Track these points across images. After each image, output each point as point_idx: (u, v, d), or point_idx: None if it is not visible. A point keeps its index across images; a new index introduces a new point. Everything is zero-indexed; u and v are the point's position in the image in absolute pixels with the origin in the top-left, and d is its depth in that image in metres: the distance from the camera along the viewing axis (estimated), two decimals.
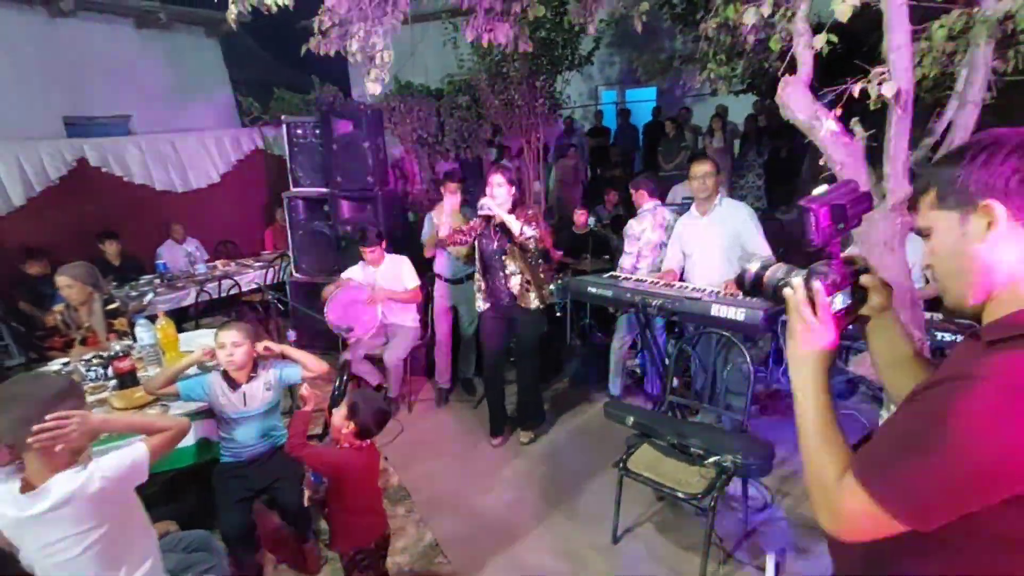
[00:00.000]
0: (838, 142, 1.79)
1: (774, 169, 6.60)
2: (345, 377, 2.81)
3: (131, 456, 1.50)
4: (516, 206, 3.02)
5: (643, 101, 9.45)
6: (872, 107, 1.74)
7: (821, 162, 1.89)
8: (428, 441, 3.49)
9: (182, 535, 1.98)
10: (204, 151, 6.55)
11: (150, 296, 4.17)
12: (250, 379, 2.36)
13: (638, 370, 4.06)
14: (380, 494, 2.07)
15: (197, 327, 4.31)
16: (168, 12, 7.04)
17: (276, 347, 2.43)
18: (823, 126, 1.77)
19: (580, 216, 4.92)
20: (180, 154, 6.30)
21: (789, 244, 3.91)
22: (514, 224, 2.92)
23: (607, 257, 4.79)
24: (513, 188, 2.97)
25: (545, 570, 2.41)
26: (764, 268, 1.02)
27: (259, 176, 6.98)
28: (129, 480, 1.50)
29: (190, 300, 4.67)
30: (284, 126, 4.77)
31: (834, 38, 1.82)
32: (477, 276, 3.22)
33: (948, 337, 2.68)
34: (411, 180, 7.15)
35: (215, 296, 4.77)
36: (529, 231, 2.94)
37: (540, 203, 6.61)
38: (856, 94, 1.68)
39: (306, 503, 2.13)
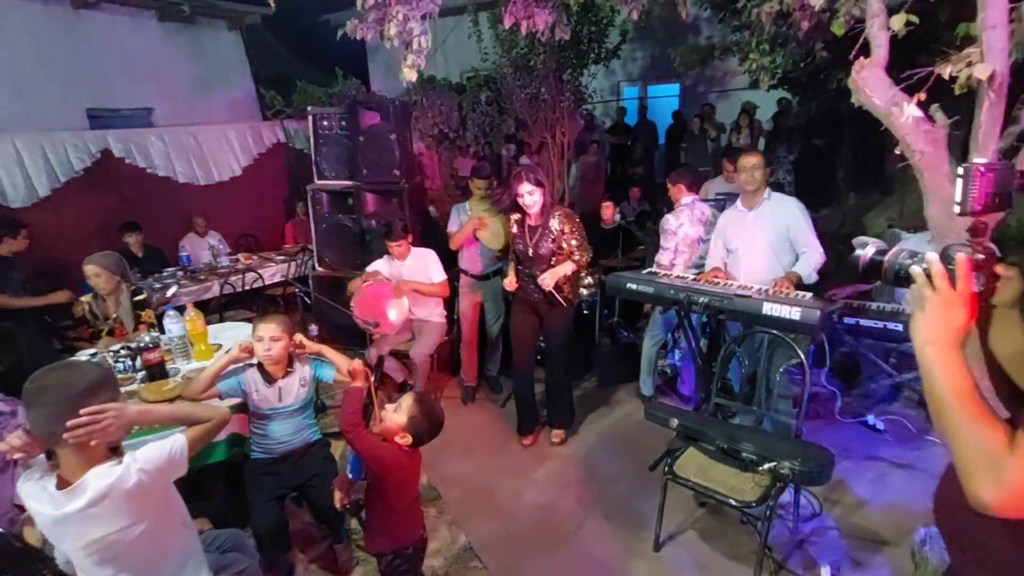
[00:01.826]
0: (919, 129, 1.67)
1: (805, 166, 6.44)
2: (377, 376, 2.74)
3: (169, 448, 1.42)
4: (548, 208, 2.93)
5: (666, 96, 9.30)
6: (958, 92, 1.62)
7: (897, 151, 1.77)
8: (456, 440, 3.40)
9: (216, 534, 1.91)
10: (226, 144, 6.53)
11: (175, 288, 4.13)
12: (287, 374, 2.28)
13: (668, 370, 3.95)
14: (419, 495, 1.98)
15: (221, 320, 4.26)
16: (191, 5, 7.01)
17: (313, 346, 2.33)
18: (904, 112, 1.65)
19: (607, 209, 4.80)
20: (202, 147, 6.28)
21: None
22: (569, 271, 2.90)
23: (641, 248, 4.68)
24: (543, 190, 2.88)
25: None
26: (882, 252, 0.98)
27: (280, 169, 6.96)
28: (168, 473, 1.42)
29: (213, 293, 4.62)
30: (310, 117, 4.70)
31: (914, 18, 1.70)
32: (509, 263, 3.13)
33: None
34: (431, 176, 7.07)
35: (238, 289, 4.73)
36: (578, 256, 2.89)
37: (564, 200, 6.50)
38: (945, 76, 1.55)
39: (337, 506, 2.04)
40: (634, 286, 2.85)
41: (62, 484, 1.31)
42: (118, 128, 5.89)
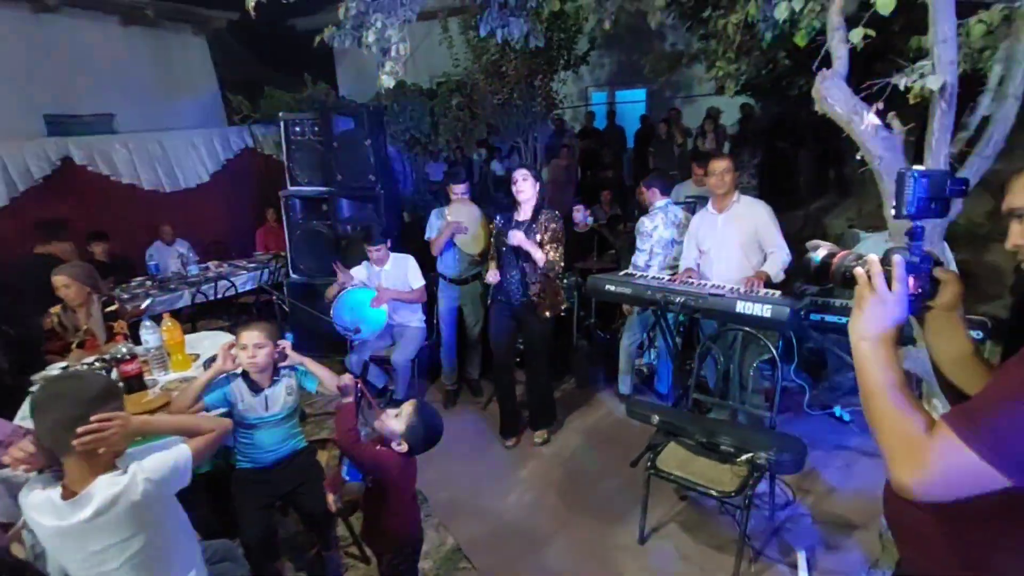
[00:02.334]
0: (878, 135, 1.79)
1: (768, 171, 6.68)
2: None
3: (174, 458, 1.42)
4: (539, 210, 2.99)
5: (633, 102, 9.51)
6: (912, 101, 1.74)
7: (858, 156, 1.89)
8: (440, 443, 3.42)
9: (205, 545, 1.89)
10: (193, 150, 6.39)
11: (149, 300, 4.03)
12: (273, 383, 2.27)
13: (645, 369, 4.05)
14: (416, 495, 2.00)
15: (194, 330, 4.17)
16: (156, 9, 6.85)
17: (296, 356, 2.32)
18: (864, 119, 1.77)
19: (577, 212, 4.90)
20: (168, 153, 6.13)
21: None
22: (538, 255, 2.91)
23: (612, 253, 4.79)
24: (538, 184, 2.94)
25: (574, 573, 2.37)
26: (832, 255, 1.01)
27: (249, 176, 6.83)
28: (172, 483, 1.42)
29: (184, 302, 4.52)
30: (282, 123, 4.66)
31: (871, 32, 1.82)
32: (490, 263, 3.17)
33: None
34: (402, 181, 7.07)
35: (211, 298, 4.63)
36: (552, 255, 2.92)
37: None
38: (901, 87, 1.67)
39: (332, 508, 2.04)
40: (613, 288, 2.93)
41: (67, 494, 1.30)
42: (78, 134, 5.70)
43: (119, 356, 2.53)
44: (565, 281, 4.20)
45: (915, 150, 1.85)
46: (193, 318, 4.65)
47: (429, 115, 6.53)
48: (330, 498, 2.13)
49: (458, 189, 3.71)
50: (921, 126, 1.82)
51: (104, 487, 1.30)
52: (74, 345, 3.03)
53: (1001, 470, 0.76)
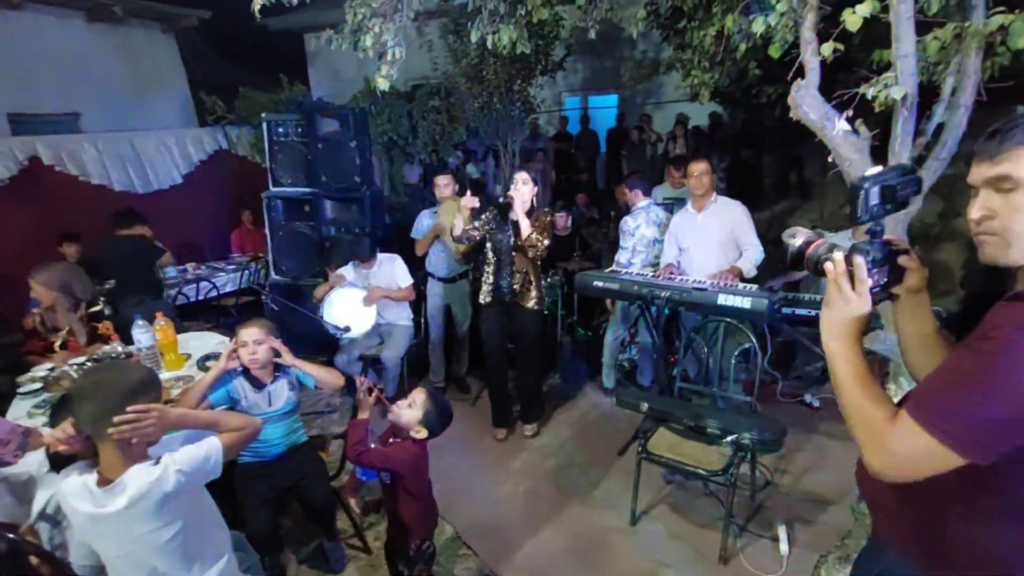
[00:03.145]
0: (847, 140, 1.97)
1: (736, 174, 6.99)
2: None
3: (205, 450, 1.46)
4: (533, 210, 3.10)
5: (605, 107, 9.76)
6: (878, 109, 1.93)
7: (829, 159, 2.07)
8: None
9: None
10: (166, 151, 6.26)
11: None
12: (275, 379, 2.31)
13: (627, 364, 4.21)
14: (430, 481, 2.08)
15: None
16: (123, 6, 6.70)
17: (289, 357, 2.35)
18: (835, 126, 1.95)
19: (561, 218, 5.04)
20: (140, 154, 5.99)
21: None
22: (525, 227, 3.01)
23: (589, 251, 4.94)
24: (536, 188, 3.06)
25: (571, 554, 2.48)
26: (807, 244, 1.06)
27: (223, 177, 6.73)
28: (203, 475, 1.46)
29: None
30: (264, 124, 4.64)
31: (840, 46, 2.00)
32: (486, 270, 3.26)
33: None
34: (380, 182, 7.08)
35: (192, 300, 4.58)
36: (535, 238, 3.02)
37: None
38: (868, 96, 1.86)
39: (357, 511, 2.10)
40: (600, 283, 3.06)
41: (103, 482, 1.34)
42: (42, 134, 5.52)
43: (115, 356, 2.52)
44: (549, 280, 4.34)
45: (881, 154, 2.04)
46: (173, 320, 4.58)
47: (408, 117, 6.58)
48: (352, 502, 2.18)
49: (442, 180, 3.79)
50: (885, 132, 2.01)
51: (138, 477, 1.34)
52: (57, 346, 2.99)
53: (956, 451, 0.85)
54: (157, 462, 1.38)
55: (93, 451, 1.38)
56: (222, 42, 8.57)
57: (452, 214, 3.64)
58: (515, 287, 3.19)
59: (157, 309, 3.52)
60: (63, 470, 1.38)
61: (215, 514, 1.58)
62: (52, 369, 2.79)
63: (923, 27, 1.97)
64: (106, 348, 2.83)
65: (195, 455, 1.43)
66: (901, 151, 1.92)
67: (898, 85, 1.82)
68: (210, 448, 1.47)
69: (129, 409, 1.32)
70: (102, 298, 3.09)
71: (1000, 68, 1.96)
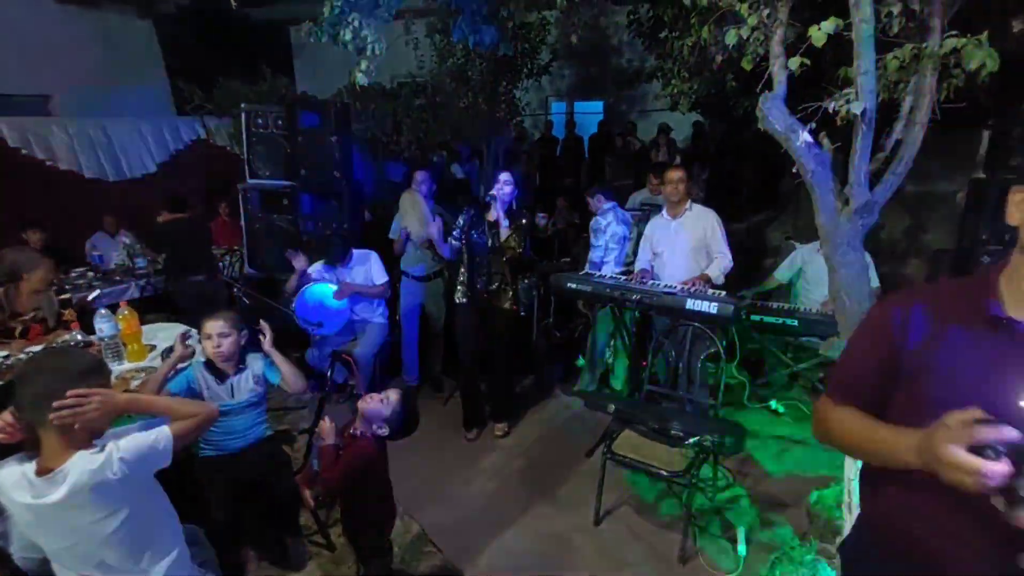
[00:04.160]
0: (811, 152, 2.03)
1: (716, 185, 7.11)
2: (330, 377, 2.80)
3: (154, 437, 1.42)
4: (512, 211, 3.12)
5: (591, 113, 9.85)
6: (839, 123, 2.00)
7: (793, 170, 2.13)
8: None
9: None
10: (139, 138, 6.14)
11: (97, 292, 3.87)
12: (238, 371, 2.29)
13: (601, 367, 4.24)
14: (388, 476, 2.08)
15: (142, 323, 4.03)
16: None
17: (268, 345, 2.33)
18: (799, 137, 2.01)
19: (540, 218, 5.09)
20: (112, 140, 5.87)
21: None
22: (505, 228, 3.03)
23: (567, 260, 4.98)
24: (518, 192, 3.09)
25: (534, 553, 2.50)
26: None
27: (201, 167, 6.62)
28: (151, 463, 1.43)
29: (132, 295, 4.37)
30: (243, 115, 4.58)
31: (807, 61, 2.06)
32: (461, 269, 3.27)
33: None
34: (363, 179, 7.04)
35: (160, 291, 4.49)
36: (513, 240, 3.05)
37: None
38: (831, 110, 1.92)
39: (310, 503, 2.09)
40: (574, 285, 3.10)
41: (42, 471, 1.30)
42: (8, 115, 5.37)
43: (74, 344, 2.47)
44: (525, 282, 4.36)
45: (842, 166, 2.10)
46: (142, 311, 4.48)
47: (392, 115, 6.55)
48: (306, 493, 2.17)
49: (419, 176, 3.81)
50: (846, 145, 2.08)
51: (79, 464, 1.30)
52: (17, 332, 2.91)
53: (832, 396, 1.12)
54: (101, 450, 1.35)
55: (35, 441, 1.34)
56: (203, 30, 8.40)
57: (418, 208, 3.63)
58: (491, 288, 3.21)
59: (214, 287, 4.46)
60: (1, 461, 1.34)
61: (166, 505, 1.56)
62: (7, 356, 2.72)
63: (886, 46, 2.04)
64: (65, 337, 2.76)
65: (142, 442, 1.40)
66: (860, 164, 1.99)
67: (858, 101, 1.88)
68: (159, 435, 1.44)
69: (69, 393, 1.29)
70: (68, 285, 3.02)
71: (955, 89, 2.04)
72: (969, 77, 1.91)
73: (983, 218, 3.18)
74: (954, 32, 1.82)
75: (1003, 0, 2.26)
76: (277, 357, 2.32)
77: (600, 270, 3.66)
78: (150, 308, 4.72)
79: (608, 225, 3.64)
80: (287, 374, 2.32)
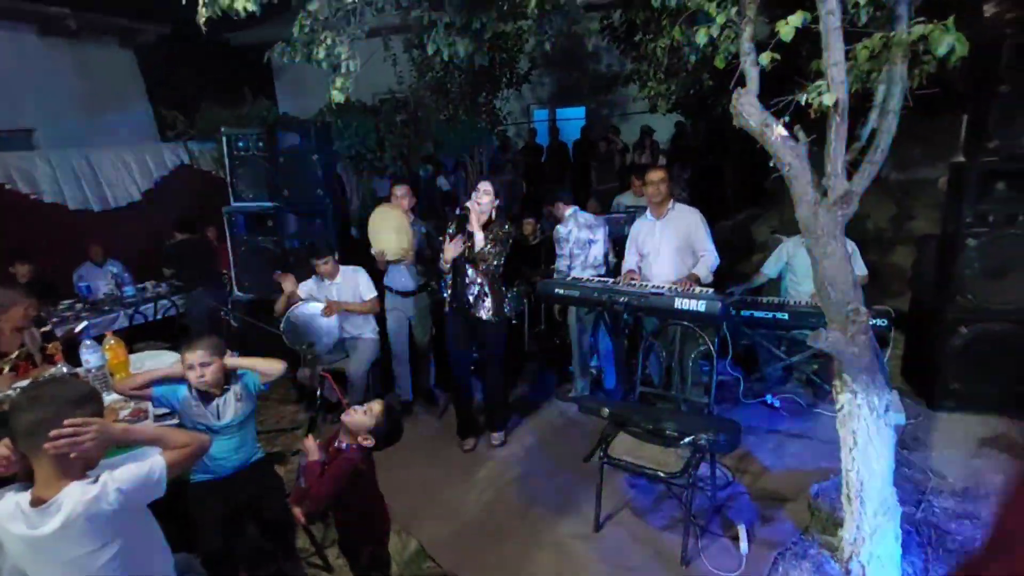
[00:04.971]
0: (786, 145, 2.04)
1: (699, 183, 7.15)
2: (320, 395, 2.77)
3: (148, 468, 1.41)
4: (491, 221, 3.11)
5: (573, 119, 9.91)
6: (813, 115, 2.01)
7: (772, 164, 2.14)
8: (398, 452, 3.36)
9: None
10: (123, 167, 6.12)
11: (84, 324, 3.84)
12: (223, 392, 2.26)
13: (594, 371, 4.23)
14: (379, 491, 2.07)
15: (131, 352, 4.00)
16: (77, 20, 6.57)
17: (237, 361, 2.31)
18: (774, 132, 2.02)
19: (527, 225, 5.09)
20: (96, 170, 5.85)
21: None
22: (479, 239, 3.02)
23: (554, 267, 4.98)
24: (497, 200, 3.08)
25: (535, 563, 2.47)
26: None
27: (186, 193, 6.60)
28: (145, 493, 1.41)
29: (121, 324, 4.34)
30: (224, 138, 4.59)
31: (777, 56, 2.08)
32: (447, 280, 3.25)
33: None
34: (349, 196, 7.05)
35: (150, 319, 4.46)
36: (488, 250, 3.03)
37: None
38: (803, 103, 1.93)
39: (302, 521, 2.06)
40: (561, 291, 3.09)
41: (36, 501, 1.28)
42: None
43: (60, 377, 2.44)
44: (515, 290, 4.35)
45: (820, 159, 2.11)
46: (130, 340, 4.45)
47: (374, 131, 6.58)
48: (296, 511, 2.14)
49: (398, 191, 3.79)
50: (823, 137, 2.09)
51: (74, 495, 1.29)
52: (6, 369, 2.87)
53: None
54: (95, 480, 1.33)
55: (28, 473, 1.32)
56: (184, 57, 8.44)
57: (390, 224, 3.58)
58: (469, 297, 3.19)
59: (222, 299, 4.65)
60: None
61: (159, 537, 1.53)
62: None
63: (856, 37, 2.06)
64: (52, 370, 2.73)
65: (137, 472, 1.38)
66: (836, 155, 1.99)
67: (830, 92, 1.89)
68: (153, 465, 1.42)
69: (67, 422, 1.28)
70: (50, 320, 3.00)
71: (927, 76, 2.05)
72: (940, 63, 1.92)
73: (967, 202, 3.19)
74: (921, 19, 1.84)
75: None
76: (242, 362, 2.30)
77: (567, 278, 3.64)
78: (139, 337, 4.69)
79: (570, 232, 3.67)
80: (262, 369, 2.29)
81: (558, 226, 3.79)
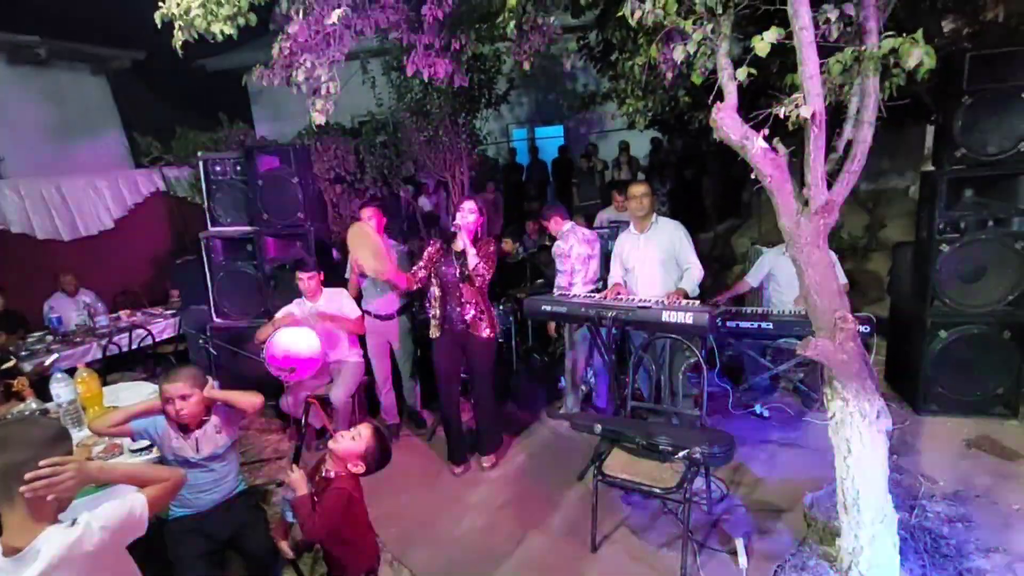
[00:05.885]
0: (767, 157, 2.07)
1: (678, 197, 7.26)
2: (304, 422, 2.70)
3: (130, 505, 1.34)
4: (478, 238, 3.09)
5: (551, 138, 10.03)
6: (791, 127, 2.04)
7: (753, 177, 2.17)
8: (387, 478, 3.25)
9: None
10: (95, 195, 6.00)
11: (55, 356, 3.70)
12: (202, 423, 2.18)
13: (584, 387, 4.20)
14: (368, 521, 2.00)
15: (104, 384, 3.85)
16: (48, 48, 6.46)
17: (217, 394, 2.23)
18: (754, 144, 2.05)
19: (506, 244, 5.10)
20: (67, 199, 5.72)
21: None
22: (472, 256, 3.00)
23: (541, 282, 4.98)
24: (483, 219, 3.06)
25: None
26: None
27: (161, 220, 6.49)
28: (127, 533, 1.34)
29: (95, 355, 4.19)
30: (200, 163, 4.51)
31: (754, 71, 2.12)
32: (433, 303, 3.21)
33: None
34: (329, 219, 6.99)
35: (124, 349, 4.32)
36: (482, 267, 3.02)
37: None
38: (782, 116, 1.96)
39: (288, 555, 1.98)
40: (549, 307, 3.07)
41: (9, 551, 1.20)
42: None
43: (28, 413, 2.33)
44: (501, 308, 4.33)
45: (799, 169, 2.15)
46: (104, 372, 4.30)
47: (354, 153, 6.56)
48: (283, 545, 2.06)
49: (364, 214, 3.75)
50: (801, 149, 2.13)
51: (54, 540, 1.21)
52: None
53: None
54: (73, 523, 1.26)
55: None
56: (159, 83, 8.35)
57: (364, 244, 3.51)
58: (466, 318, 3.15)
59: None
60: None
61: None
62: None
63: (829, 51, 2.11)
64: (20, 406, 2.61)
65: (118, 510, 1.32)
66: (815, 166, 2.03)
67: (806, 104, 1.93)
68: (134, 503, 1.36)
69: (43, 463, 1.21)
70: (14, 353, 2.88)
71: (897, 88, 2.11)
72: (909, 75, 1.98)
73: (938, 209, 3.28)
74: (891, 33, 1.89)
75: (933, 1, 2.37)
76: (222, 395, 2.22)
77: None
78: (114, 367, 4.54)
79: (571, 248, 3.63)
80: (240, 403, 2.21)
81: (558, 242, 3.75)
